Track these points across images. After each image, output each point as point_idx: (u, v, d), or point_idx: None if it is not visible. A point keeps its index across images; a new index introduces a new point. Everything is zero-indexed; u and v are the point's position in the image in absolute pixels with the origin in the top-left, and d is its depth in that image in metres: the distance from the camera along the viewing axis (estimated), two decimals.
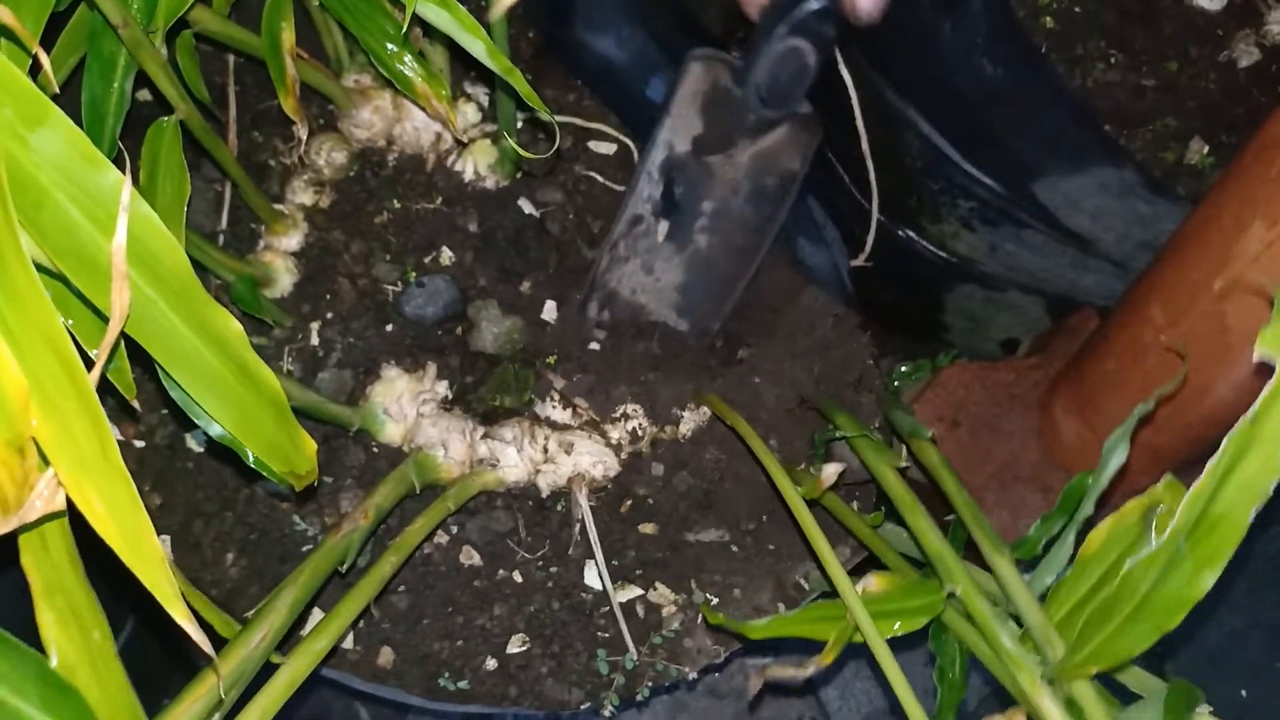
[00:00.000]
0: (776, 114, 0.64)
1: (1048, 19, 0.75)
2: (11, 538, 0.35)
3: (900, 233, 0.85)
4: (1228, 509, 0.39)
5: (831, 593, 0.65)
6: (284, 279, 0.70)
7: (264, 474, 0.46)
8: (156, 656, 0.78)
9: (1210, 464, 0.39)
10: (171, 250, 0.38)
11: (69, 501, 0.32)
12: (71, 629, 0.37)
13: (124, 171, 0.35)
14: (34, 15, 0.44)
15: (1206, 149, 0.73)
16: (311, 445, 0.47)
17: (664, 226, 0.68)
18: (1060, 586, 0.51)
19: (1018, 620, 0.53)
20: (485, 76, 0.77)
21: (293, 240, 0.71)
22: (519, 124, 0.73)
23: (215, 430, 0.44)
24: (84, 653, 0.37)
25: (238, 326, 0.41)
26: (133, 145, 0.55)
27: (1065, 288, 0.83)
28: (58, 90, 0.47)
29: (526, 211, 0.73)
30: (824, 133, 0.67)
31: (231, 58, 0.76)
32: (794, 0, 0.59)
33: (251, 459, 0.45)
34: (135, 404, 0.44)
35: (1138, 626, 0.44)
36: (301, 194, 0.73)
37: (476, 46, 0.50)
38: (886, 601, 0.52)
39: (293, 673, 0.48)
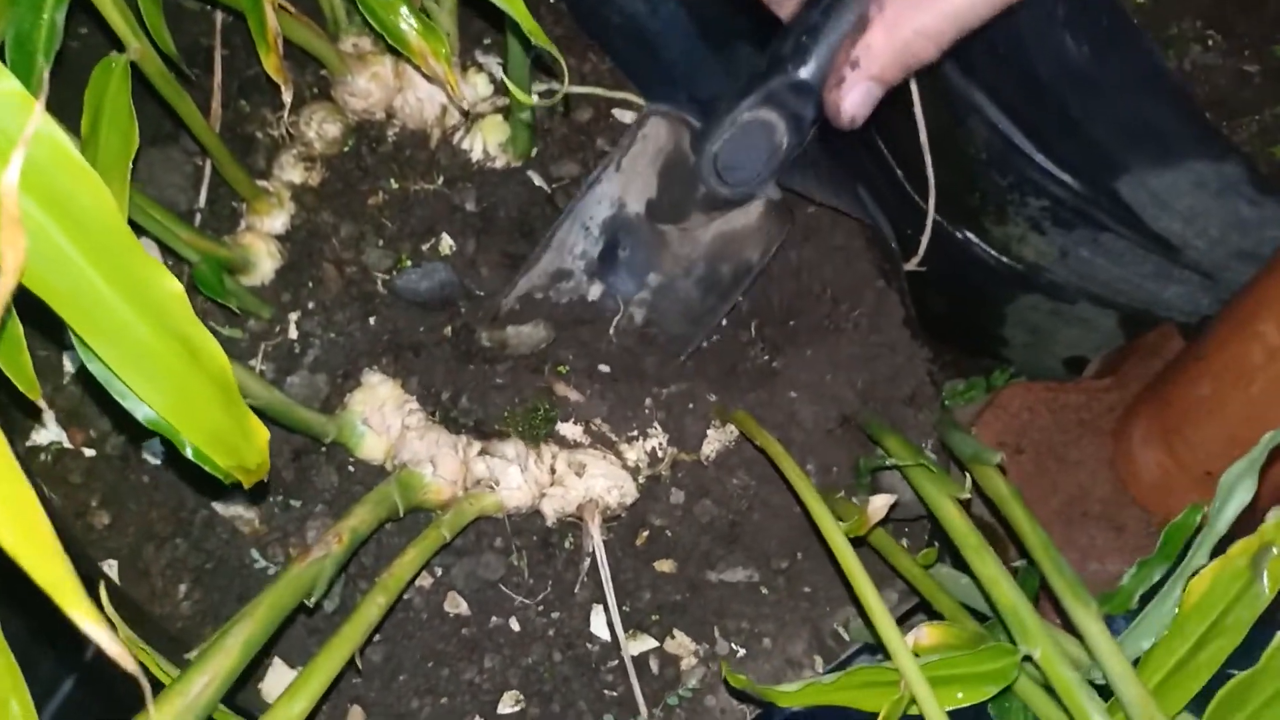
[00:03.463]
0: (733, 194, 0.56)
1: None
2: None
3: (958, 234, 0.77)
4: None
5: (875, 646, 0.57)
6: (265, 264, 0.63)
7: (206, 468, 0.39)
8: None
9: None
10: (92, 188, 0.30)
11: None
12: None
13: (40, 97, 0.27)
14: None
15: None
16: (263, 434, 0.39)
17: (597, 289, 0.61)
18: (1155, 648, 0.43)
19: (1102, 689, 0.44)
20: (498, 46, 0.69)
21: (277, 221, 0.64)
22: (535, 97, 0.65)
23: (144, 413, 0.36)
24: None
25: (177, 287, 0.33)
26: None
27: (1144, 300, 0.74)
28: None
29: (536, 184, 0.65)
30: (792, 221, 0.60)
31: (219, 16, 0.68)
32: (771, 67, 0.51)
33: (190, 450, 0.38)
34: (41, 404, 0.36)
35: None
36: (290, 170, 0.65)
37: None
38: (947, 666, 0.44)
39: None
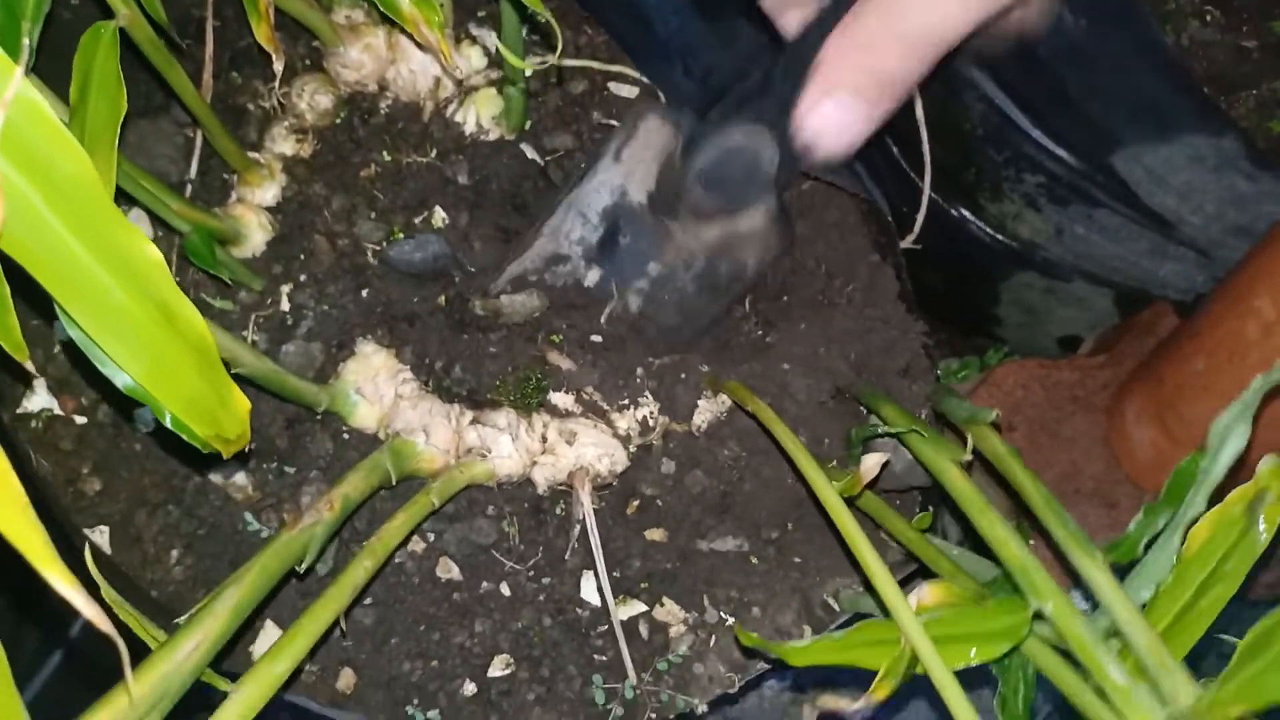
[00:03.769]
0: (715, 206, 0.56)
1: None
2: None
3: (953, 211, 0.77)
4: None
5: (867, 616, 0.57)
6: (256, 236, 0.62)
7: (184, 437, 0.38)
8: (87, 696, 0.70)
9: None
10: (72, 153, 0.30)
11: None
12: None
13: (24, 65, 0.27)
14: None
15: None
16: (244, 403, 0.39)
17: (594, 275, 0.60)
18: (1160, 596, 0.43)
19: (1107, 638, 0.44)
20: (492, 19, 0.68)
21: (268, 193, 0.63)
22: (529, 72, 0.64)
23: (123, 380, 0.36)
24: None
25: (156, 254, 0.34)
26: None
27: (1139, 278, 0.74)
28: None
29: (529, 157, 0.64)
30: (793, 237, 0.61)
31: None
32: (764, 87, 0.50)
33: (169, 418, 0.37)
34: (30, 368, 0.36)
35: None
36: (281, 142, 0.65)
37: None
38: (955, 623, 0.43)
39: (244, 702, 0.39)
